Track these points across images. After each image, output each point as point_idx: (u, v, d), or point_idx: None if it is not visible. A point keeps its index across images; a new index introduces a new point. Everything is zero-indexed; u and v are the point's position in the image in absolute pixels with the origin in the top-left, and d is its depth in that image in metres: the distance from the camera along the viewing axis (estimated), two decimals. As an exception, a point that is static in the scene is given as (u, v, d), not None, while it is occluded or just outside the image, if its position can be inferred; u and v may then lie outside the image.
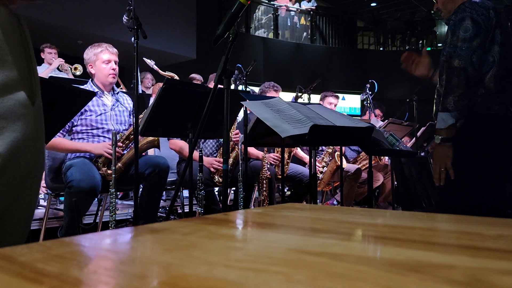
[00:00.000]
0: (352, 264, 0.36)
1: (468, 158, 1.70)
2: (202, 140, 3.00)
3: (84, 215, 2.18)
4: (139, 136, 2.18)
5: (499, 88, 1.68)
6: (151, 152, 3.14)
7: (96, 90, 2.55)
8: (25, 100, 0.77)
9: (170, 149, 3.04)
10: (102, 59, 2.55)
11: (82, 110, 2.45)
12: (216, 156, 3.04)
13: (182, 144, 2.95)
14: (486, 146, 1.68)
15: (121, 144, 2.44)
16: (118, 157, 2.42)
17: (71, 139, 2.50)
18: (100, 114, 2.51)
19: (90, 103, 2.48)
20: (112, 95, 2.63)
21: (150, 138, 2.48)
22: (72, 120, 2.45)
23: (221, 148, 3.02)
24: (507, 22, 1.76)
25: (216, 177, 2.90)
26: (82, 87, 2.58)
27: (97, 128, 2.48)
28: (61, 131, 2.42)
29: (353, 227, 0.59)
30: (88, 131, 2.47)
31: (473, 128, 1.69)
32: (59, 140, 2.39)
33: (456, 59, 1.65)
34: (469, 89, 1.65)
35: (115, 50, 2.57)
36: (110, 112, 2.56)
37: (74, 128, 2.48)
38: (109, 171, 2.39)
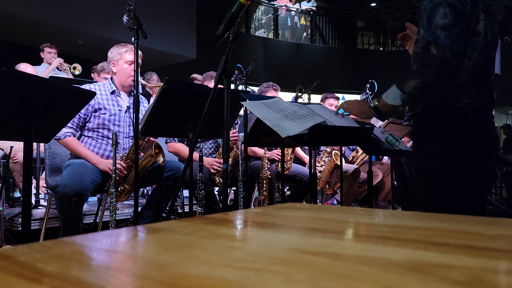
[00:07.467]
0: (352, 264, 0.36)
1: (437, 152, 1.53)
2: (200, 140, 2.98)
3: (76, 219, 2.16)
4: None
5: (472, 79, 1.48)
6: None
7: (114, 89, 2.54)
8: None
9: (169, 151, 3.03)
10: (126, 59, 2.53)
11: (97, 107, 2.44)
12: (215, 157, 3.03)
13: (179, 147, 2.94)
14: (456, 141, 1.50)
15: (124, 164, 2.39)
16: (124, 177, 2.41)
17: (81, 135, 2.49)
18: (114, 114, 2.49)
19: (105, 101, 2.48)
20: (129, 97, 2.60)
21: (148, 153, 2.42)
22: (85, 116, 2.44)
23: (221, 148, 3.01)
24: (489, 9, 1.52)
25: (217, 178, 2.90)
26: (99, 84, 2.58)
27: (108, 129, 2.46)
28: (74, 126, 2.41)
29: (353, 227, 0.60)
30: (99, 130, 2.46)
31: (439, 122, 1.53)
32: (73, 142, 2.39)
33: (435, 47, 1.43)
34: (440, 82, 1.46)
35: (140, 52, 2.46)
36: (124, 114, 2.54)
37: (86, 125, 2.47)
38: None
